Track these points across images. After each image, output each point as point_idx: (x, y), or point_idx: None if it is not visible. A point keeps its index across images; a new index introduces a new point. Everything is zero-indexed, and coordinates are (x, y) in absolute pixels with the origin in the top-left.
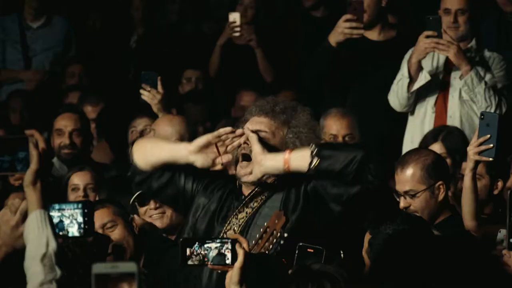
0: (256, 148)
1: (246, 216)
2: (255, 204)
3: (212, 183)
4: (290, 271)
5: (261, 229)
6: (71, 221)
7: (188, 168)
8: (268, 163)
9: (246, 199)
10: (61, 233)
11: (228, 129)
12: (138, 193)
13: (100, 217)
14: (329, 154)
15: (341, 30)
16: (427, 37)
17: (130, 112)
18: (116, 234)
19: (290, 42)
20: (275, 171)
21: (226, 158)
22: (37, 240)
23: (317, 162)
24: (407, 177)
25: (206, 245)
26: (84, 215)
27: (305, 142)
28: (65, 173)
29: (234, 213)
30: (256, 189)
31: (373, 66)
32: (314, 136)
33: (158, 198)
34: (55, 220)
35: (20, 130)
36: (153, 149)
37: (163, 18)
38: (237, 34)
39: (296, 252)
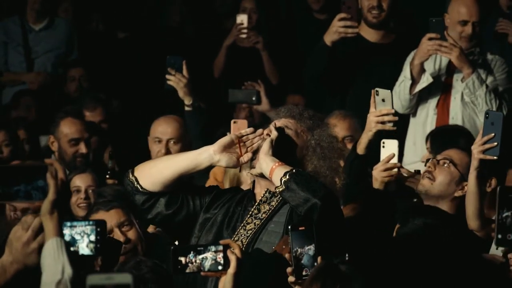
0: (264, 146)
1: (254, 228)
2: (264, 216)
3: (216, 200)
4: (316, 267)
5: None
6: (82, 238)
7: (191, 188)
8: (263, 164)
9: (254, 210)
10: (72, 249)
11: (250, 129)
12: None
13: (117, 216)
14: (293, 188)
15: (336, 29)
16: (430, 39)
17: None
18: (131, 234)
19: (293, 44)
20: (265, 174)
21: (246, 157)
22: (53, 267)
23: (281, 189)
24: None
25: (201, 253)
26: (97, 233)
27: (325, 150)
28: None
29: (243, 224)
30: (266, 194)
31: (373, 68)
32: (336, 149)
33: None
34: (66, 238)
35: (33, 128)
36: (166, 166)
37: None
38: (244, 36)
39: (290, 234)
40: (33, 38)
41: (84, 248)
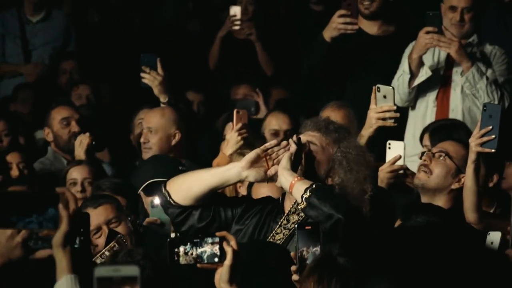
0: (283, 161)
1: (283, 238)
2: (292, 226)
3: (247, 211)
4: (314, 258)
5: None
6: None
7: (222, 200)
8: (282, 179)
9: (283, 221)
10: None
11: (274, 142)
12: (148, 182)
13: (105, 213)
14: (315, 205)
15: (335, 26)
16: (427, 32)
17: (129, 109)
18: (120, 229)
19: (290, 36)
20: (284, 189)
21: (274, 170)
22: None
23: (303, 206)
24: None
25: (198, 246)
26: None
27: (352, 163)
28: (62, 166)
29: (272, 235)
30: (295, 205)
31: (371, 60)
32: (362, 160)
33: None
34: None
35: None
36: (196, 181)
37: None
38: (237, 27)
39: (296, 233)
40: (31, 30)
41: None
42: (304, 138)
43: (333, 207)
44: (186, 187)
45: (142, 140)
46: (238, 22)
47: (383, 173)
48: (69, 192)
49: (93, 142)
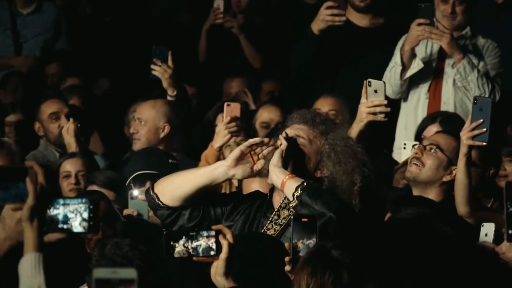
0: (274, 158)
1: (274, 234)
2: (283, 221)
3: (237, 207)
4: (308, 251)
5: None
6: (76, 216)
7: (211, 198)
8: (273, 177)
9: (274, 216)
10: (65, 226)
11: (257, 139)
12: (135, 174)
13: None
14: (307, 203)
15: (323, 18)
16: (419, 24)
17: (124, 99)
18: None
19: (282, 28)
20: (276, 186)
21: (260, 164)
22: (29, 285)
23: (295, 204)
24: None
25: (193, 239)
26: (90, 211)
27: (340, 155)
28: (54, 159)
29: (263, 230)
30: (285, 200)
31: (361, 53)
32: (350, 151)
33: None
34: (60, 216)
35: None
36: (184, 182)
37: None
38: (219, 20)
39: (292, 224)
40: (21, 22)
41: (77, 226)
42: (291, 132)
43: (324, 205)
44: (173, 188)
45: (131, 130)
46: (221, 15)
47: (398, 173)
48: (37, 166)
49: (79, 125)
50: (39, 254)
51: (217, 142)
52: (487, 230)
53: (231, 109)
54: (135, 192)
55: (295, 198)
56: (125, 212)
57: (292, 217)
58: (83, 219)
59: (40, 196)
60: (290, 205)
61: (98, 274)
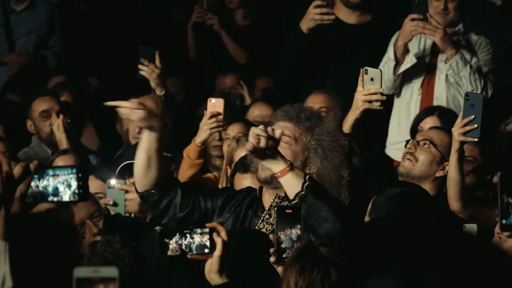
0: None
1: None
2: (274, 221)
3: (227, 203)
4: (297, 248)
5: None
6: (65, 186)
7: (202, 191)
8: (273, 163)
9: (265, 216)
10: (55, 199)
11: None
12: (122, 164)
13: (86, 208)
14: (312, 211)
15: (312, 16)
16: (413, 20)
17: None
18: (100, 224)
19: (275, 24)
20: (271, 170)
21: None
22: None
23: (297, 203)
24: None
25: (187, 236)
26: (78, 179)
27: (327, 150)
28: (46, 156)
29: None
30: (276, 199)
31: (350, 50)
32: (337, 146)
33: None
34: (50, 188)
35: None
36: (136, 160)
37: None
38: (200, 19)
39: (276, 215)
40: (15, 19)
41: (67, 196)
42: (276, 127)
43: (331, 212)
44: (136, 173)
45: (124, 128)
46: (200, 14)
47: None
48: (1, 154)
49: (69, 121)
50: (5, 243)
51: (198, 137)
52: (470, 232)
53: (214, 105)
54: (112, 181)
55: (300, 196)
56: (102, 201)
57: (276, 208)
58: (72, 188)
59: (6, 184)
60: (291, 203)
61: (78, 274)
